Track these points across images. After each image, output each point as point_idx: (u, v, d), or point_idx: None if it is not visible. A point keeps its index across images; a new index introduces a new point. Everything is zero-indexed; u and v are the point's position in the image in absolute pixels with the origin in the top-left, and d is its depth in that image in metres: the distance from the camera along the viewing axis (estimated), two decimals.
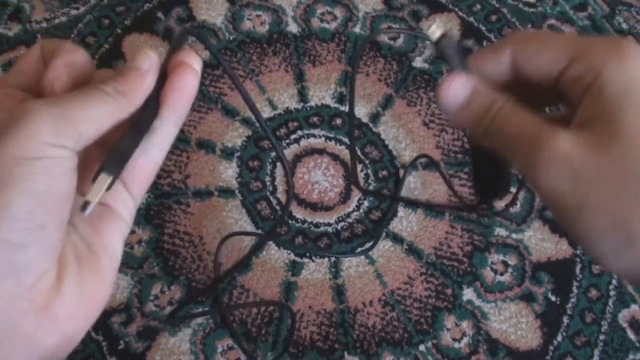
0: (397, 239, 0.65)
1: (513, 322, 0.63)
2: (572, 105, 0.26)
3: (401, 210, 0.67)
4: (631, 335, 0.63)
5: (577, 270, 0.66)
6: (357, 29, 0.76)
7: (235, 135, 0.69)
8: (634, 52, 0.24)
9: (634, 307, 0.65)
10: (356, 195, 0.67)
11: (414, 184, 0.68)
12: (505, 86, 0.28)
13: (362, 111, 0.71)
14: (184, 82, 0.27)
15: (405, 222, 0.66)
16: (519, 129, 0.26)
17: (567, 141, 0.24)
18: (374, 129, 0.71)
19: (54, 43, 0.28)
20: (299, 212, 0.66)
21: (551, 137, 0.24)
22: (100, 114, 0.25)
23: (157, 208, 0.65)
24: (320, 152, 0.69)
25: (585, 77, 0.25)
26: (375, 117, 0.71)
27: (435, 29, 0.28)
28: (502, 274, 0.65)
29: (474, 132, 0.28)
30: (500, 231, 0.67)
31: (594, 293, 0.65)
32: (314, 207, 0.66)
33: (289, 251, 0.64)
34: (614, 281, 0.66)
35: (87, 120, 0.24)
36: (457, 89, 0.27)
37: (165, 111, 0.27)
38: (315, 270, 0.63)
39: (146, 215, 0.64)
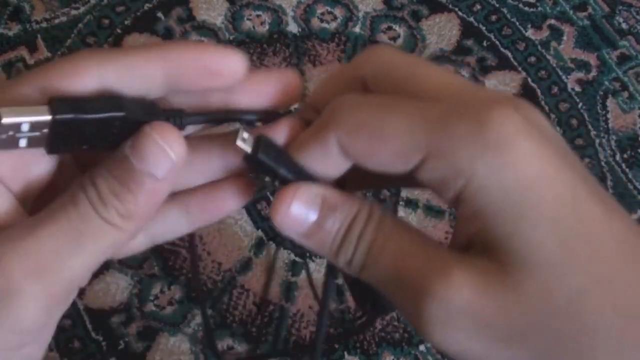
0: None
1: None
2: (447, 201, 0.19)
3: (401, 210, 0.67)
4: None
5: None
6: (357, 29, 0.76)
7: None
8: (509, 134, 0.17)
9: None
10: (356, 195, 0.67)
11: None
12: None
13: None
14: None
15: None
16: (397, 263, 0.19)
17: (464, 285, 0.17)
18: None
19: None
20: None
21: (442, 280, 0.18)
22: (93, 255, 0.19)
23: None
24: None
25: (452, 183, 0.18)
26: None
27: (244, 137, 0.20)
28: None
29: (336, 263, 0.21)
30: None
31: None
32: None
33: (289, 251, 0.64)
34: None
35: (74, 269, 0.18)
36: (299, 208, 0.20)
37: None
38: (315, 270, 0.63)
39: None
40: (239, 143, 0.20)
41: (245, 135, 0.20)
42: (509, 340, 0.17)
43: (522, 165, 0.17)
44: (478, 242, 0.18)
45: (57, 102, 0.18)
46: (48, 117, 0.18)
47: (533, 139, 0.17)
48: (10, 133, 0.18)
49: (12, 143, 0.18)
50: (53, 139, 0.19)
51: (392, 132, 0.18)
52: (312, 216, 0.20)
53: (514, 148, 0.17)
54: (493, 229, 0.17)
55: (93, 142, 0.19)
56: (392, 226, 0.20)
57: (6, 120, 0.17)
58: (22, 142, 0.18)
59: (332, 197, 0.21)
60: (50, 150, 0.19)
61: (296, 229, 0.20)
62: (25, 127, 0.18)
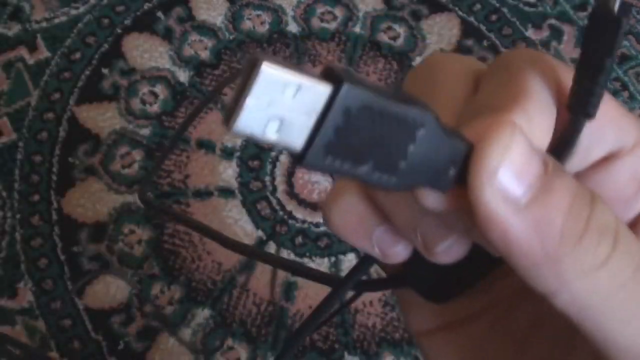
0: None
1: None
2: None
3: None
4: None
5: None
6: (357, 29, 0.76)
7: (235, 135, 0.69)
8: None
9: None
10: None
11: None
12: None
13: None
14: None
15: None
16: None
17: None
18: None
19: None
20: (299, 212, 0.66)
21: None
22: None
23: (157, 208, 0.65)
24: None
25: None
26: None
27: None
28: None
29: (555, 275, 0.12)
30: None
31: None
32: (314, 207, 0.66)
33: (289, 251, 0.64)
34: None
35: None
36: (522, 158, 0.13)
37: None
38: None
39: (146, 215, 0.64)
40: None
41: None
42: None
43: None
44: None
45: (344, 72, 0.11)
46: (327, 89, 0.11)
47: None
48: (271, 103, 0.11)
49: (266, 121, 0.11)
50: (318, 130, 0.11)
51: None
52: (533, 175, 0.13)
53: None
54: None
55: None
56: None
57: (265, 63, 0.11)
58: (274, 128, 0.11)
59: (553, 160, 0.13)
60: (303, 150, 0.12)
61: (507, 191, 0.12)
62: (290, 92, 0.11)
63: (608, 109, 0.15)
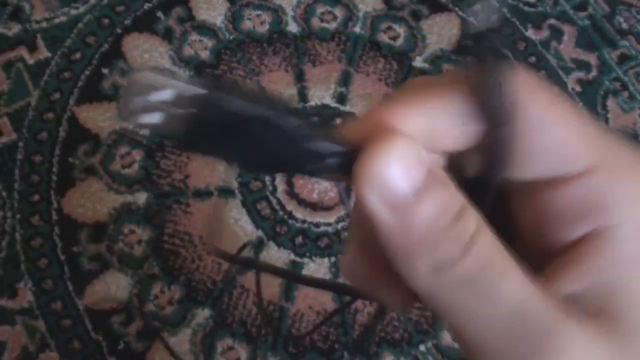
0: None
1: None
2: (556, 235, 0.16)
3: None
4: None
5: None
6: (357, 29, 0.76)
7: None
8: None
9: None
10: None
11: None
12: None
13: (362, 111, 0.71)
14: None
15: None
16: (514, 302, 0.14)
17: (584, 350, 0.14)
18: None
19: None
20: (299, 212, 0.66)
21: (563, 344, 0.14)
22: None
23: (157, 208, 0.65)
24: None
25: (597, 215, 0.15)
26: None
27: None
28: None
29: (409, 268, 0.15)
30: None
31: None
32: (314, 207, 0.66)
33: (289, 251, 0.64)
34: None
35: None
36: (402, 164, 0.14)
37: None
38: (315, 270, 0.63)
39: (146, 215, 0.64)
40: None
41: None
42: None
43: None
44: (589, 295, 0.15)
45: (212, 78, 0.16)
46: (200, 91, 0.15)
47: None
48: (148, 99, 0.15)
49: (146, 112, 0.15)
50: (192, 126, 0.15)
51: (570, 120, 0.15)
52: (409, 184, 0.14)
53: None
54: (621, 292, 0.15)
55: (232, 149, 0.16)
56: (503, 251, 0.15)
57: (146, 76, 0.15)
58: (155, 117, 0.15)
59: (437, 170, 0.15)
60: (185, 142, 0.16)
61: (386, 193, 0.14)
62: (167, 96, 0.15)
63: (567, 130, 0.15)
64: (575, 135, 0.15)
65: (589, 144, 0.15)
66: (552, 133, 0.15)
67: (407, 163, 0.14)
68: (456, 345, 0.61)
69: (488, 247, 0.15)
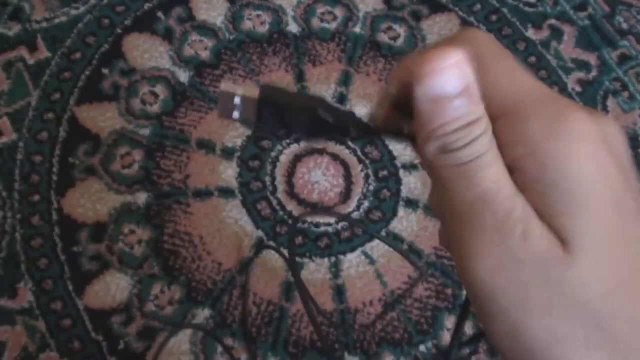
0: (397, 239, 0.65)
1: None
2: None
3: (401, 210, 0.67)
4: None
5: None
6: (357, 29, 0.76)
7: (235, 135, 0.69)
8: (582, 132, 0.19)
9: None
10: (356, 195, 0.67)
11: (414, 184, 0.68)
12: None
13: (362, 111, 0.71)
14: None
15: (405, 222, 0.66)
16: (487, 184, 0.19)
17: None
18: None
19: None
20: (298, 212, 0.66)
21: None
22: None
23: (157, 208, 0.65)
24: (320, 152, 0.69)
25: (517, 148, 0.19)
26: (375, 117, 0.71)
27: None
28: None
29: (424, 141, 0.20)
30: None
31: None
32: (314, 207, 0.66)
33: (289, 251, 0.64)
34: None
35: None
36: (454, 76, 0.18)
37: None
38: (315, 270, 0.63)
39: (146, 215, 0.64)
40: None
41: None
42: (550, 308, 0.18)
43: (585, 162, 0.18)
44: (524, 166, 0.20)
45: (263, 87, 0.23)
46: (255, 96, 0.23)
47: (598, 147, 0.19)
48: (228, 103, 0.23)
49: (228, 112, 0.23)
50: (260, 117, 0.23)
51: (501, 70, 0.20)
52: (454, 89, 0.18)
53: (582, 145, 0.18)
54: (545, 205, 0.19)
55: (290, 128, 0.24)
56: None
57: (224, 87, 0.23)
58: (235, 114, 0.23)
59: (472, 84, 0.19)
60: (257, 127, 0.23)
61: (435, 91, 0.18)
62: (237, 100, 0.23)
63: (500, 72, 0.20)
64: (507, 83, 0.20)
65: (515, 84, 0.20)
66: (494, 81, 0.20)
67: (457, 74, 0.18)
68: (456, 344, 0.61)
69: (484, 145, 0.19)
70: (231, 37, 0.74)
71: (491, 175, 0.19)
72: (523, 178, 0.19)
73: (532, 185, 0.19)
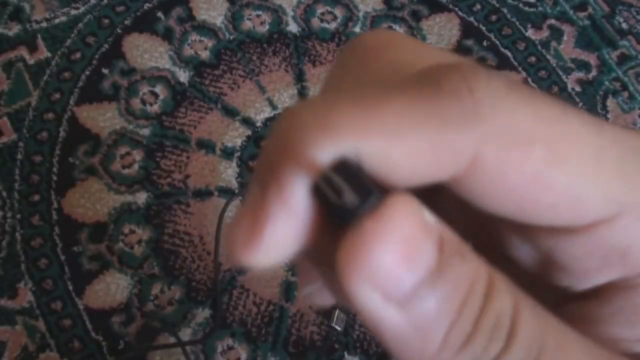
0: None
1: None
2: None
3: None
4: None
5: None
6: (357, 29, 0.76)
7: (235, 135, 0.69)
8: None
9: None
10: None
11: None
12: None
13: None
14: None
15: None
16: None
17: None
18: None
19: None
20: None
21: None
22: None
23: (157, 208, 0.65)
24: None
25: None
26: None
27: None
28: None
29: None
30: None
31: None
32: None
33: None
34: None
35: None
36: (405, 252, 0.10)
37: None
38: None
39: (146, 215, 0.64)
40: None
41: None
42: None
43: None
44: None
45: None
46: None
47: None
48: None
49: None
50: None
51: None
52: (419, 273, 0.10)
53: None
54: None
55: None
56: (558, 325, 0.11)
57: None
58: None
59: (448, 234, 0.11)
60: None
61: (388, 287, 0.10)
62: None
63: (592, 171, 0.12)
64: (588, 180, 0.12)
65: (604, 185, 0.12)
66: (562, 177, 0.11)
67: (410, 243, 0.10)
68: None
69: (535, 329, 0.11)
70: (231, 37, 0.74)
71: None
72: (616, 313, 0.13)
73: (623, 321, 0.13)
